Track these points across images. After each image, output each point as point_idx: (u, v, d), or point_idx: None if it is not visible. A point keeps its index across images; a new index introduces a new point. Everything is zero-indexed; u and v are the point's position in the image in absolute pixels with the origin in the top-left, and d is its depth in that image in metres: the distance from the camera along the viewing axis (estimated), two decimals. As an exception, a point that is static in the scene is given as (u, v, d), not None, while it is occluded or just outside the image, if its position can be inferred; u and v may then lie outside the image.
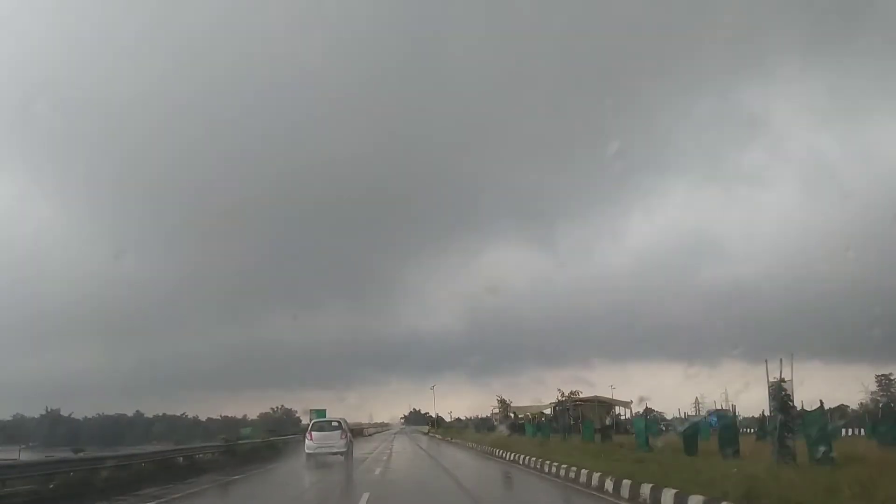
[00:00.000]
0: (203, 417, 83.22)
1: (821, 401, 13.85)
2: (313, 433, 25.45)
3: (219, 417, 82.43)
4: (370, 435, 69.19)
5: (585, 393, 44.43)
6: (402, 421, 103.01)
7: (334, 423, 26.38)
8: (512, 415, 51.71)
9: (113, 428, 72.42)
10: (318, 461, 24.64)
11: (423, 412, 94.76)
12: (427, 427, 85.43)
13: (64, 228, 62.06)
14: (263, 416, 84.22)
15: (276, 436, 44.57)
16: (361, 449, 34.74)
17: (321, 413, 47.60)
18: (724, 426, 18.10)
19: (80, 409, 74.87)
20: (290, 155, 50.75)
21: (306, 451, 25.21)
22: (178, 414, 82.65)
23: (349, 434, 26.77)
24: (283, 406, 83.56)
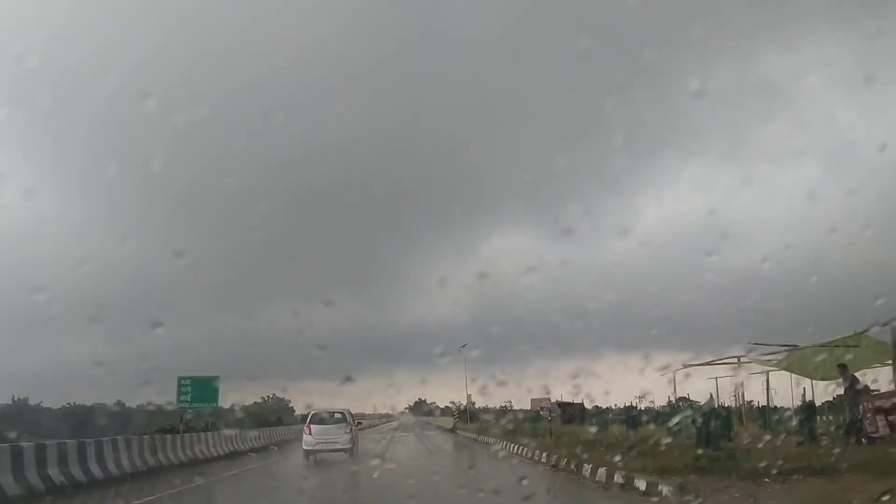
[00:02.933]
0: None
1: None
2: (312, 426, 22.10)
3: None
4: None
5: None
6: (407, 410, 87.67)
7: (337, 415, 22.60)
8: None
9: (89, 417, 69.11)
10: (319, 459, 21.55)
11: (428, 402, 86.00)
12: (452, 420, 53.56)
13: (62, 215, 58.12)
14: (258, 406, 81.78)
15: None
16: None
17: (206, 380, 26.75)
18: None
19: (72, 398, 71.15)
20: (289, 143, 47.57)
21: (304, 447, 21.94)
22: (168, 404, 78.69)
23: (354, 427, 23.35)
24: (274, 395, 79.21)
